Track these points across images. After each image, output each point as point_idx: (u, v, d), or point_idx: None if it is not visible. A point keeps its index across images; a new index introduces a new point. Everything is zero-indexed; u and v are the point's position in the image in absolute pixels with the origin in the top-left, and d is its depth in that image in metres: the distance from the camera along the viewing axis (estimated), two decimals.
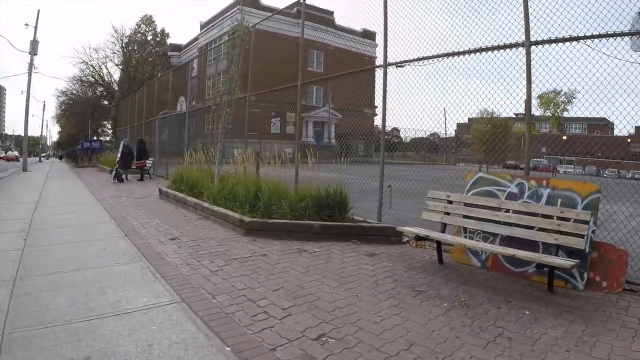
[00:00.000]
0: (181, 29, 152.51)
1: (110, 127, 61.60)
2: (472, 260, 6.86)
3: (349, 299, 5.23)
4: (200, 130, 23.35)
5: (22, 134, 37.42)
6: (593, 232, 5.80)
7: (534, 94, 6.91)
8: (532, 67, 6.71)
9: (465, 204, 6.86)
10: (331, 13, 37.77)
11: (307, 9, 11.08)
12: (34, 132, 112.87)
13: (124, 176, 20.81)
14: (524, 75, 6.75)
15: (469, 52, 7.63)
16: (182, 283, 5.60)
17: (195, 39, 62.45)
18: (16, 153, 77.96)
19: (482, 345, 4.05)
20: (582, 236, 5.45)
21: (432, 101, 8.60)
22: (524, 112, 7.21)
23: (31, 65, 34.45)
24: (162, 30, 57.35)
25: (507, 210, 6.34)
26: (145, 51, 55.00)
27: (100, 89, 55.72)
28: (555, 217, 5.82)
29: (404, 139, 12.76)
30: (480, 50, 7.42)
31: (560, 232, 5.65)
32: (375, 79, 10.25)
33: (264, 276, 6.00)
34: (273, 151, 10.41)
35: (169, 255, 6.90)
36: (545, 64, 6.72)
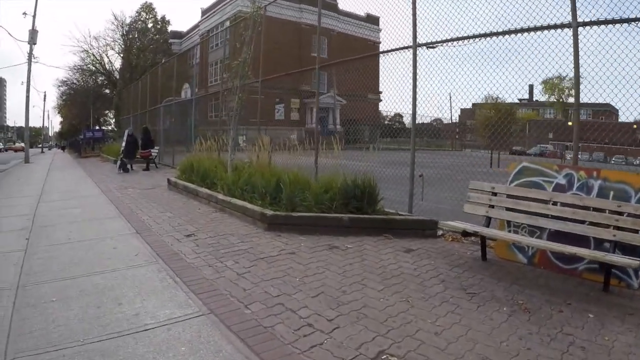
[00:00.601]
0: (182, 16, 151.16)
1: (112, 116, 61.11)
2: (518, 257, 6.26)
3: (399, 305, 4.61)
4: (204, 118, 22.82)
5: (24, 125, 36.90)
6: None
7: (539, 80, 6.38)
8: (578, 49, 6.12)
9: (510, 196, 6.23)
10: None
11: None
12: (35, 122, 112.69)
13: (129, 166, 20.21)
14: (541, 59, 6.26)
15: (510, 32, 6.98)
16: (208, 289, 4.97)
17: (197, 25, 62.29)
18: (23, 144, 79.40)
19: (557, 358, 3.54)
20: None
21: (436, 87, 8.25)
22: (527, 98, 6.61)
23: (30, 55, 34.03)
24: (163, 18, 56.63)
25: (555, 203, 5.74)
26: (146, 39, 54.29)
27: (102, 77, 55.12)
28: (607, 211, 5.28)
29: (407, 125, 12.25)
30: (523, 30, 6.82)
31: (618, 228, 5.11)
32: (380, 64, 10.04)
33: (298, 279, 5.38)
34: (279, 138, 9.78)
35: (188, 255, 6.27)
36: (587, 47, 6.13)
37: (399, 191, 8.67)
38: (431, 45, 8.19)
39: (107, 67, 53.25)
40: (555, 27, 6.41)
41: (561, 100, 54.10)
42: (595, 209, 5.42)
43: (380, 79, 10.42)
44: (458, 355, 3.56)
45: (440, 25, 7.94)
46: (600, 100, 6.31)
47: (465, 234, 6.44)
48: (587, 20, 6.05)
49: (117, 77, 52.67)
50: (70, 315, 4.26)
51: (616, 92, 5.78)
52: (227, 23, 45.23)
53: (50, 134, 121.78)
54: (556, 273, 5.78)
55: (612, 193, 5.55)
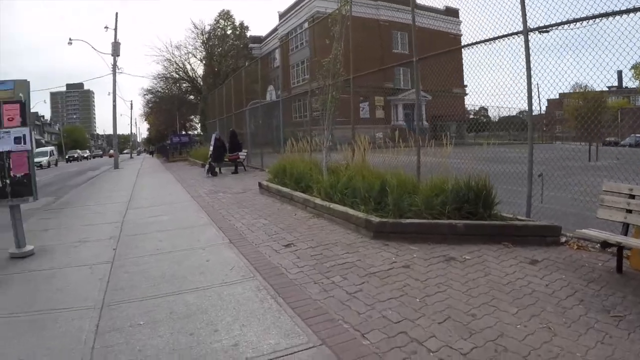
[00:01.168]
0: (260, 21, 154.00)
1: (197, 121, 62.79)
2: None
3: (540, 333, 3.82)
4: (288, 119, 22.62)
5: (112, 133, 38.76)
6: None
7: (627, 65, 5.82)
8: None
9: None
10: None
11: None
12: (124, 130, 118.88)
13: (217, 169, 20.30)
14: None
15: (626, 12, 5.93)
16: (316, 313, 4.30)
17: (275, 29, 62.99)
18: (127, 151, 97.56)
19: None
20: None
21: (520, 77, 7.52)
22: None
23: (114, 66, 36.14)
24: (241, 24, 57.52)
25: None
26: (226, 45, 55.33)
27: (186, 84, 56.69)
28: None
29: (492, 118, 11.78)
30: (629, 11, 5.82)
31: None
32: (463, 57, 9.52)
33: (418, 299, 4.61)
34: (367, 136, 9.54)
35: (289, 270, 5.64)
36: None
37: (502, 190, 7.65)
38: (544, 30, 7.21)
39: (190, 74, 54.67)
40: None
41: None
42: None
43: (465, 71, 9.63)
44: None
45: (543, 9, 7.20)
46: None
47: (606, 245, 5.47)
48: None
49: (201, 83, 53.90)
50: (159, 343, 3.73)
51: None
52: (306, 25, 45.49)
53: (138, 140, 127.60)
54: None
55: None
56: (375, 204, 7.69)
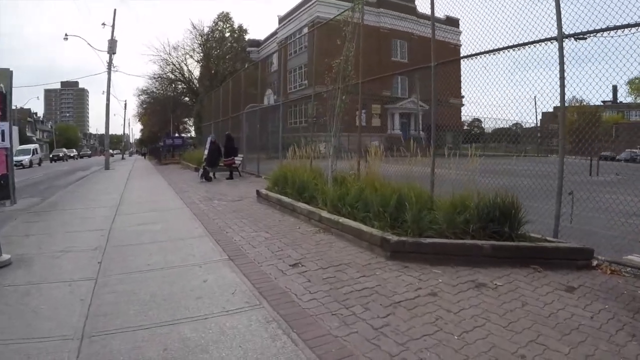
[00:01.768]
0: (258, 25, 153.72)
1: (191, 123, 62.18)
2: None
3: None
4: (285, 125, 22.06)
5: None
6: None
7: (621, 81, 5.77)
8: None
9: None
10: (412, 0, 36.17)
11: None
12: (117, 130, 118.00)
13: (211, 174, 19.55)
14: None
15: None
16: (340, 355, 3.62)
17: (274, 33, 63.14)
18: (118, 151, 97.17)
19: None
20: None
21: (515, 89, 7.54)
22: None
23: (110, 64, 35.74)
24: (240, 27, 56.96)
25: None
26: (224, 47, 54.85)
27: (181, 85, 56.06)
28: None
29: (485, 130, 11.74)
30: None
31: None
32: (461, 68, 9.12)
33: (456, 337, 3.95)
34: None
35: (300, 296, 4.92)
36: None
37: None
38: (582, 37, 6.62)
39: (187, 76, 54.13)
40: None
41: None
42: None
43: (463, 82, 9.40)
44: None
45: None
46: None
47: None
48: None
49: (197, 85, 53.35)
50: None
51: None
52: (305, 29, 45.19)
53: (131, 141, 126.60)
54: None
55: None
56: (392, 220, 6.99)
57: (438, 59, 8.84)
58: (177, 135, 54.37)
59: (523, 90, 7.39)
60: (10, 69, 6.52)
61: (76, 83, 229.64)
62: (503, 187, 6.96)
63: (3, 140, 6.29)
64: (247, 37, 58.83)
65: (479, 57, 7.89)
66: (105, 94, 35.56)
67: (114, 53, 35.83)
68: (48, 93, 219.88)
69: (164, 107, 56.28)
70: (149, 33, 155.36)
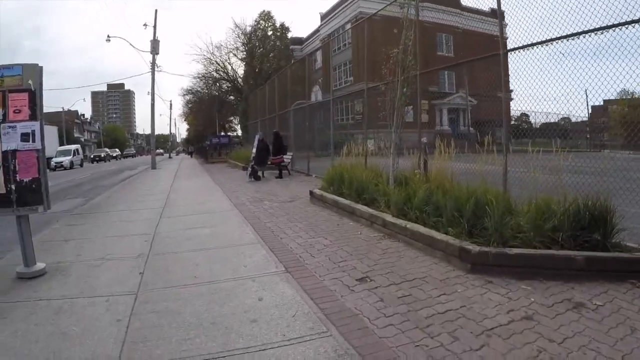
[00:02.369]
0: (300, 23, 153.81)
1: (237, 122, 62.25)
2: None
3: None
4: (327, 123, 21.51)
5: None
6: None
7: None
8: None
9: None
10: None
11: None
12: (163, 130, 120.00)
13: (260, 173, 19.05)
14: None
15: None
16: None
17: (317, 30, 63.04)
18: (160, 150, 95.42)
19: None
20: None
21: (563, 83, 6.88)
22: None
23: (153, 64, 36.35)
24: (282, 25, 56.94)
25: None
26: (268, 45, 54.69)
27: (226, 84, 56.13)
28: None
29: (534, 125, 10.59)
30: None
31: None
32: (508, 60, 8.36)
33: None
34: (409, 141, 9.30)
35: (374, 321, 4.15)
36: None
37: None
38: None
39: (231, 74, 54.11)
40: None
41: None
42: None
43: (511, 75, 8.48)
44: None
45: None
46: None
47: None
48: None
49: (242, 83, 53.28)
50: None
51: None
52: (348, 26, 44.63)
53: (177, 140, 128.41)
54: None
55: None
56: (469, 226, 6.14)
57: (490, 50, 8.40)
58: (222, 134, 54.50)
59: (574, 83, 6.66)
60: (40, 65, 5.96)
61: (122, 85, 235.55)
62: (577, 186, 6.13)
63: (34, 141, 5.73)
64: (289, 35, 58.82)
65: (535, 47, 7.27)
66: (150, 93, 35.90)
67: (157, 53, 36.30)
68: (95, 95, 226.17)
69: (209, 106, 56.50)
70: (192, 32, 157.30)
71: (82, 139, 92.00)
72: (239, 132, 60.17)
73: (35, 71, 5.89)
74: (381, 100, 10.28)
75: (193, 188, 17.19)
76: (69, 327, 4.16)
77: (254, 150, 19.37)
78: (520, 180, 6.85)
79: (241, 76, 54.73)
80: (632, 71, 5.69)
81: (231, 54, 52.60)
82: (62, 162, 40.77)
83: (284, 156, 19.80)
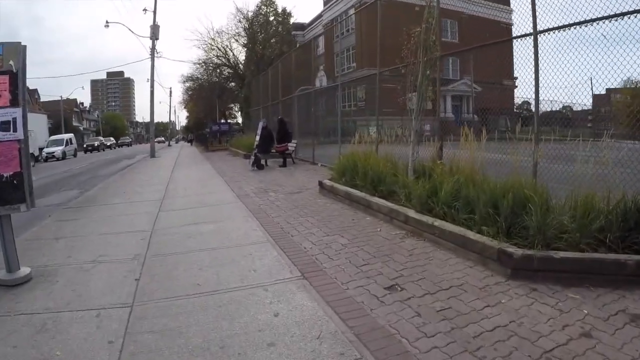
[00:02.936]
0: (302, 8, 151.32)
1: (237, 109, 61.67)
2: None
3: None
4: (332, 109, 21.34)
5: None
6: None
7: None
8: None
9: None
10: None
11: None
12: (162, 118, 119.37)
13: (263, 162, 18.35)
14: None
15: None
16: None
17: (319, 16, 62.66)
18: (162, 138, 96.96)
19: None
20: None
21: (566, 71, 6.63)
22: None
23: (153, 49, 35.68)
24: (284, 10, 56.10)
25: None
26: (270, 31, 53.96)
27: (227, 70, 55.42)
28: None
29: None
30: None
31: None
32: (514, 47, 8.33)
33: None
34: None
35: (415, 343, 3.50)
36: None
37: None
38: None
39: (232, 60, 53.36)
40: None
41: None
42: None
43: (515, 62, 8.28)
44: None
45: None
46: None
47: None
48: None
49: (243, 70, 52.60)
50: None
51: None
52: (352, 11, 44.04)
53: (177, 128, 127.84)
54: None
55: None
56: (507, 225, 5.45)
57: (490, 38, 8.51)
58: (223, 121, 54.00)
59: (580, 71, 6.39)
60: (24, 44, 5.27)
61: (121, 73, 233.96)
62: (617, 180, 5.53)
63: (15, 130, 5.05)
64: (291, 20, 58.17)
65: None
66: (150, 80, 35.27)
67: (157, 39, 35.63)
68: (94, 83, 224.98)
69: (209, 92, 55.88)
70: (192, 17, 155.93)
71: (81, 128, 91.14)
72: (239, 120, 59.61)
73: (18, 50, 5.21)
74: (400, 83, 9.61)
75: (194, 178, 16.56)
76: (52, 350, 3.54)
77: (258, 137, 18.72)
78: (549, 172, 6.28)
79: (242, 62, 54.05)
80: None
81: (232, 40, 51.94)
82: (53, 152, 38.71)
83: (289, 144, 19.11)
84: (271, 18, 54.89)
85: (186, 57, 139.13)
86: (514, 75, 10.47)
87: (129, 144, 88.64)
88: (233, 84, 56.28)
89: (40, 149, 35.97)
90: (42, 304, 4.53)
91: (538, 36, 7.04)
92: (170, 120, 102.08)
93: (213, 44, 51.44)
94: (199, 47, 65.64)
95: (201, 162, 24.83)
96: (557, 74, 6.64)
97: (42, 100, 79.60)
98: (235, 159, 25.05)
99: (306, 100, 21.04)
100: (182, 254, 6.09)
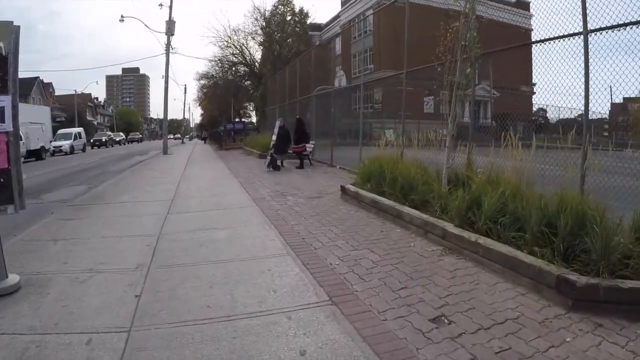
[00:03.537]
0: (319, 8, 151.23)
1: (252, 108, 61.40)
2: None
3: None
4: (347, 111, 21.48)
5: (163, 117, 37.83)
6: None
7: None
8: None
9: None
10: None
11: None
12: (177, 115, 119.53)
13: (279, 162, 17.70)
14: None
15: None
16: None
17: (337, 16, 62.57)
18: (178, 135, 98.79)
19: None
20: None
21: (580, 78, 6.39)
22: None
23: (168, 45, 35.14)
24: (301, 10, 55.90)
25: None
26: (287, 30, 53.63)
27: (243, 68, 55.08)
28: None
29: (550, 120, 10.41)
30: None
31: None
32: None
33: None
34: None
35: None
36: None
37: None
38: None
39: (248, 59, 53.01)
40: None
41: None
42: None
43: (534, 68, 8.07)
44: None
45: None
46: None
47: None
48: None
49: (259, 68, 52.27)
50: None
51: None
52: (370, 12, 43.72)
53: (191, 125, 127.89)
54: None
55: None
56: (565, 248, 4.70)
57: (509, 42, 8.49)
58: (237, 120, 53.74)
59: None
60: (17, 24, 4.62)
61: (137, 69, 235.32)
62: None
63: (2, 121, 4.40)
64: (308, 21, 57.90)
65: None
66: (164, 76, 34.88)
67: (172, 34, 35.12)
68: (109, 79, 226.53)
69: (224, 90, 55.64)
70: (208, 13, 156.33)
71: (95, 122, 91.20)
72: (254, 119, 59.33)
73: (9, 31, 4.56)
74: (437, 82, 8.94)
75: (206, 177, 15.95)
76: None
77: (274, 137, 18.10)
78: (597, 185, 5.61)
79: (258, 60, 53.68)
80: None
81: (249, 37, 51.60)
82: (61, 146, 38.17)
83: (307, 145, 18.49)
84: (288, 18, 54.68)
85: (202, 54, 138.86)
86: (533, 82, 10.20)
87: (138, 140, 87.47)
88: (248, 82, 56.06)
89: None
90: (27, 321, 3.90)
91: (589, 36, 6.37)
92: (184, 118, 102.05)
93: (229, 41, 51.25)
94: (215, 44, 65.64)
95: (214, 161, 24.26)
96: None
97: (56, 94, 79.84)
98: (250, 159, 24.49)
99: (325, 100, 20.40)
100: (191, 265, 5.42)
